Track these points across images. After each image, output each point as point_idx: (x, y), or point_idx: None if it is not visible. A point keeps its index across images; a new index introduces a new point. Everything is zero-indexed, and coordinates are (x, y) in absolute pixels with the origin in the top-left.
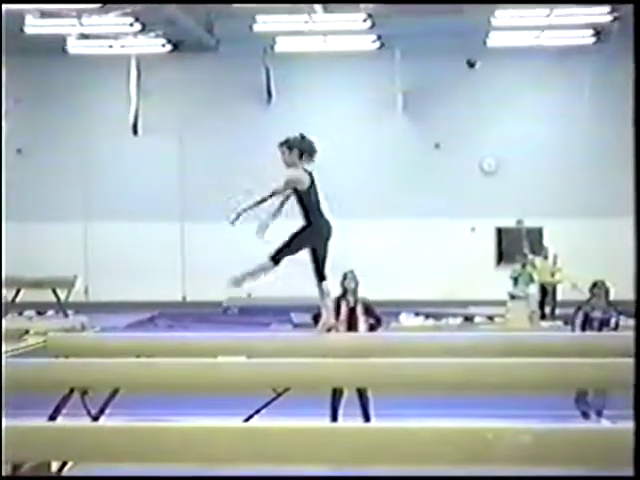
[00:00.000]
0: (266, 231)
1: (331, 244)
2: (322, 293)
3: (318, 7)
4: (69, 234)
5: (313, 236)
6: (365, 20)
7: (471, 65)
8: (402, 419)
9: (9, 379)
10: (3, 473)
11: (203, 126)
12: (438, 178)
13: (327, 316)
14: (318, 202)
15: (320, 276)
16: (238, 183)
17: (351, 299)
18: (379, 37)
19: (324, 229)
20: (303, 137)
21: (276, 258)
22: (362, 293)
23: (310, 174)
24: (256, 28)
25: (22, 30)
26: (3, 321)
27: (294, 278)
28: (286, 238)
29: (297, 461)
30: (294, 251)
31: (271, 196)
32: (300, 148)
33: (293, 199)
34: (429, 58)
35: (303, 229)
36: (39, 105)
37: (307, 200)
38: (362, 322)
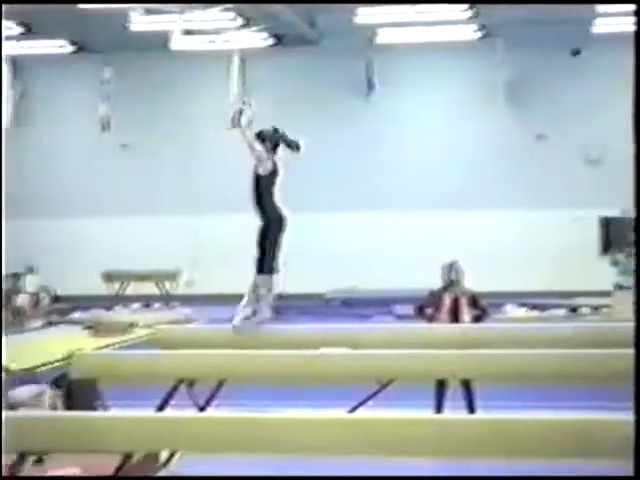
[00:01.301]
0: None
1: (285, 238)
2: (269, 285)
3: None
4: (174, 227)
5: (277, 228)
6: (467, 9)
7: (575, 53)
8: (507, 410)
9: (117, 370)
10: (110, 464)
11: (305, 119)
12: (541, 169)
13: (265, 312)
14: (273, 193)
15: (270, 268)
16: (341, 174)
17: (455, 290)
18: (481, 27)
19: (283, 221)
20: (276, 130)
21: (264, 270)
22: (467, 284)
23: (275, 165)
24: (357, 20)
25: (126, 27)
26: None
27: (396, 270)
28: (257, 250)
29: (402, 452)
30: (275, 251)
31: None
32: (272, 140)
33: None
34: (532, 47)
35: (265, 229)
36: (144, 101)
37: (265, 186)
38: (466, 313)
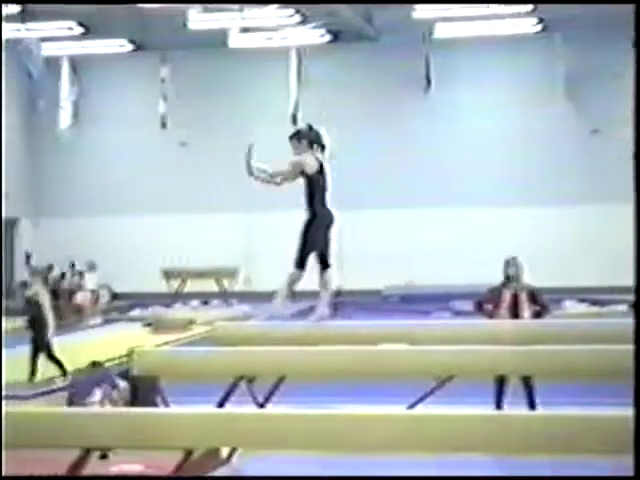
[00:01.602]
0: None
1: (332, 233)
2: (324, 282)
3: None
4: (232, 224)
5: (320, 226)
6: (526, 3)
7: (636, 46)
8: (568, 407)
9: (178, 367)
10: (173, 459)
11: (362, 115)
12: (597, 163)
13: (323, 309)
14: (324, 191)
15: (324, 264)
16: (399, 171)
17: (515, 286)
18: (540, 20)
19: (327, 218)
20: (311, 127)
21: (301, 264)
22: (526, 280)
23: (320, 162)
24: (415, 15)
25: (185, 25)
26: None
27: (454, 266)
28: (299, 242)
29: (461, 449)
30: (313, 247)
31: (279, 182)
32: (308, 138)
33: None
34: (591, 41)
35: (309, 224)
36: (202, 98)
37: (315, 185)
38: (526, 309)
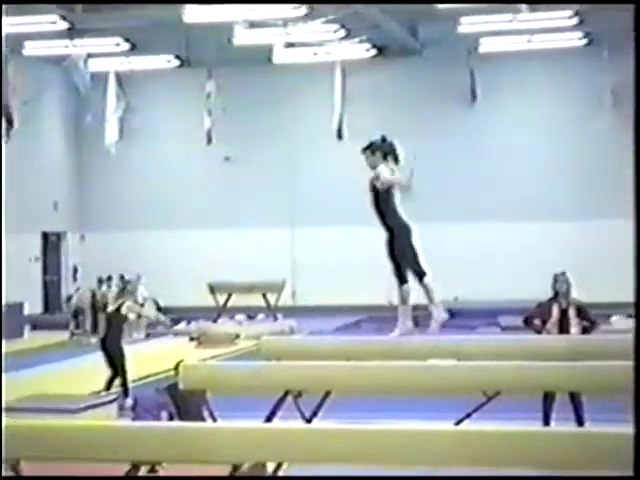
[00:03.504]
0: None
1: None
2: (426, 289)
3: (523, 6)
4: (276, 239)
5: (402, 239)
6: (571, 17)
7: None
8: (616, 424)
9: (225, 381)
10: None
11: (408, 130)
12: None
13: (404, 321)
14: (396, 204)
15: (421, 272)
16: (443, 185)
17: (563, 301)
18: (586, 34)
19: (406, 230)
20: (384, 139)
21: (403, 279)
22: (574, 295)
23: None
24: (460, 29)
25: (230, 41)
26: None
27: (499, 281)
28: (392, 262)
29: (509, 465)
30: (407, 261)
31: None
32: (382, 150)
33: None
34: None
35: (391, 240)
36: (246, 114)
37: (391, 199)
38: (574, 325)
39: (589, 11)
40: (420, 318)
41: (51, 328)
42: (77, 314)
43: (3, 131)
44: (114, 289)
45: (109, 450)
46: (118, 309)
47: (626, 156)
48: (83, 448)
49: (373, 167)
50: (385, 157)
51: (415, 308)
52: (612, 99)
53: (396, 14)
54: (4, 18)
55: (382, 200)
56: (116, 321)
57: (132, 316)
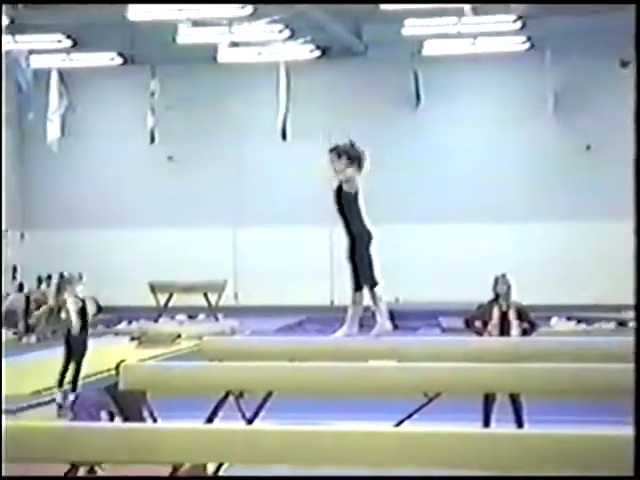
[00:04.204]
0: None
1: (373, 250)
2: (375, 298)
3: (467, 9)
4: (219, 239)
5: (364, 246)
6: (515, 21)
7: (624, 64)
8: (555, 425)
9: (166, 381)
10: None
11: (351, 131)
12: (589, 180)
13: (351, 325)
14: (360, 210)
15: (372, 282)
16: (386, 186)
17: (503, 303)
18: (529, 38)
19: (367, 237)
20: (352, 144)
21: (359, 286)
22: (514, 297)
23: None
24: (404, 32)
25: (174, 40)
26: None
27: (441, 282)
28: (351, 266)
29: (449, 467)
30: (363, 268)
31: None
32: (348, 155)
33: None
34: (580, 58)
35: (352, 245)
36: (190, 113)
37: (353, 207)
38: (515, 327)
39: (532, 15)
40: (364, 320)
41: None
42: (7, 317)
43: None
44: (53, 288)
45: (48, 450)
46: (84, 305)
47: (568, 158)
48: (22, 448)
49: (337, 171)
50: (351, 163)
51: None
52: (554, 102)
53: (340, 15)
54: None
55: (347, 205)
56: (81, 317)
57: (73, 314)
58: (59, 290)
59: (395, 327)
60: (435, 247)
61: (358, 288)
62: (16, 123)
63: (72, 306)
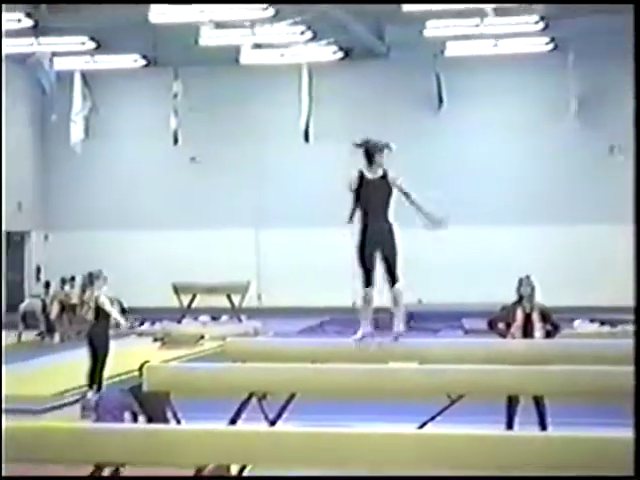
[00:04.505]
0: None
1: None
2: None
3: (489, 10)
4: (242, 240)
5: (365, 241)
6: (538, 22)
7: None
8: (579, 427)
9: (189, 383)
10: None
11: (373, 132)
12: (613, 182)
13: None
14: (367, 205)
15: (368, 282)
16: (408, 188)
17: (527, 305)
18: (552, 39)
19: (367, 233)
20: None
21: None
22: (538, 299)
23: (361, 176)
24: (426, 33)
25: (197, 42)
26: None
27: (464, 284)
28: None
29: (472, 468)
30: (364, 262)
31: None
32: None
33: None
34: (604, 59)
35: (392, 231)
36: (213, 114)
37: (355, 201)
38: (538, 329)
39: (555, 16)
40: (381, 321)
41: (9, 328)
42: (25, 317)
43: None
44: (77, 290)
45: (72, 451)
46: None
47: (591, 160)
48: (46, 449)
49: (380, 166)
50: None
51: (376, 311)
52: (576, 104)
53: (363, 17)
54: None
55: (389, 199)
56: (103, 314)
57: (107, 308)
58: (84, 289)
59: (409, 328)
60: (458, 249)
61: (395, 281)
62: (39, 125)
63: (100, 303)
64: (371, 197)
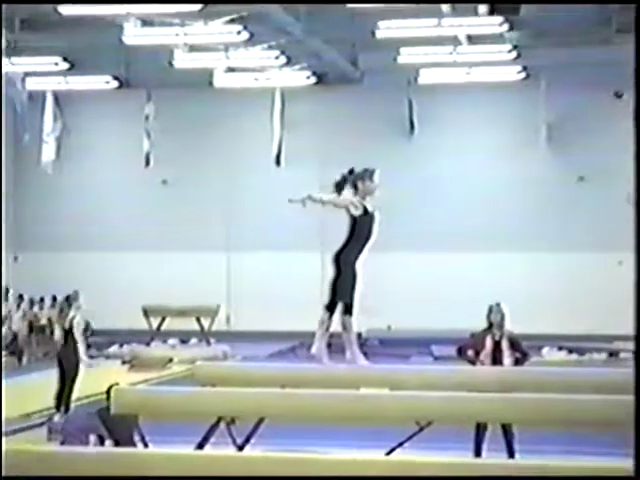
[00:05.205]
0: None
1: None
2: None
3: (463, 38)
4: (212, 263)
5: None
6: (510, 51)
7: (619, 96)
8: (547, 456)
9: (157, 406)
10: None
11: (345, 158)
12: (582, 211)
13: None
14: (366, 241)
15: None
16: (380, 213)
17: (497, 332)
18: (524, 68)
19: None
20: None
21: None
22: (507, 326)
23: (365, 208)
24: (400, 60)
25: (171, 64)
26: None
27: (433, 311)
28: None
29: None
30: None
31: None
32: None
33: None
34: (575, 89)
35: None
36: (185, 137)
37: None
38: (507, 356)
39: (527, 46)
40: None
41: None
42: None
43: None
44: (46, 311)
45: (38, 474)
46: (71, 325)
47: (561, 188)
48: (11, 471)
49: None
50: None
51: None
52: (548, 132)
53: (337, 43)
54: None
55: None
56: (72, 337)
57: (77, 333)
58: (62, 310)
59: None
60: (428, 275)
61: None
62: (11, 145)
63: (75, 324)
64: (371, 234)
